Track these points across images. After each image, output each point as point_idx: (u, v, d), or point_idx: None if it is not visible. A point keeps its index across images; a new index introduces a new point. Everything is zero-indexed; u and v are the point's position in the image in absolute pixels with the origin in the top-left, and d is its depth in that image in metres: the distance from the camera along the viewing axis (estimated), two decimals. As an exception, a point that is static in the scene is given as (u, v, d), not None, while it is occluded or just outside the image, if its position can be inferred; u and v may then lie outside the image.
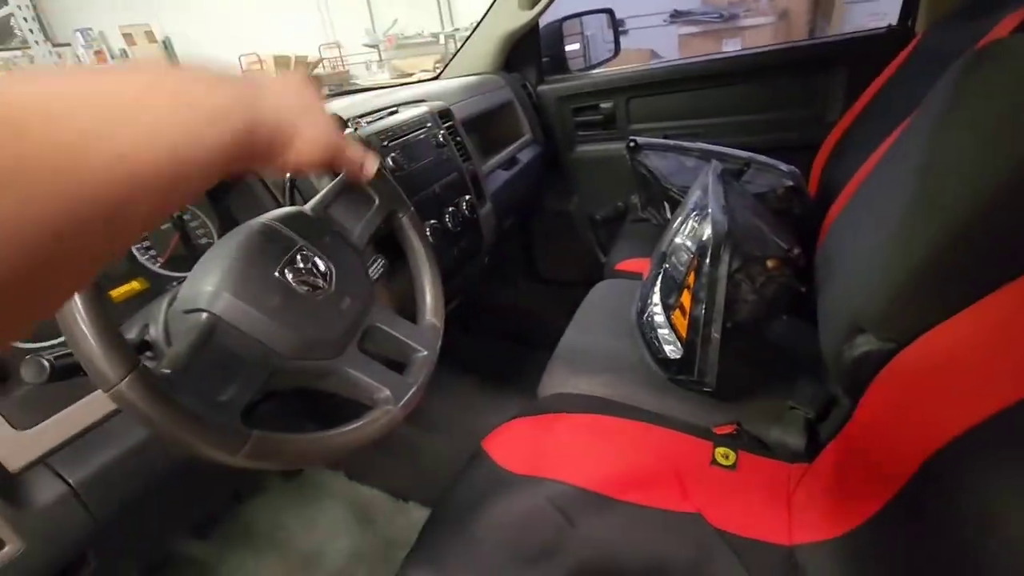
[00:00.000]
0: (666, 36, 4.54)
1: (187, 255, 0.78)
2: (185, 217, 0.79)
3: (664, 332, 0.87)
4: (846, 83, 1.32)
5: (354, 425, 0.54)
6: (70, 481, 0.55)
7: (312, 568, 1.05)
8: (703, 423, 0.78)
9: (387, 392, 0.56)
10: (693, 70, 1.52)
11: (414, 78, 3.38)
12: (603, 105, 1.60)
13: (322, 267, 0.56)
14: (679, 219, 0.94)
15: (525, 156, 1.50)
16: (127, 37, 6.57)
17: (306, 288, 0.54)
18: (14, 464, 0.53)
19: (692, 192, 1.03)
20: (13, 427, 0.53)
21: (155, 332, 0.53)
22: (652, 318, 0.91)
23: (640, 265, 1.18)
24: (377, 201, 0.67)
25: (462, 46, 1.61)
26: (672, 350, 0.84)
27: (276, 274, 0.53)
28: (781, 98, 1.43)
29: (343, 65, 7.89)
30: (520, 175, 1.43)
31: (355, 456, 1.22)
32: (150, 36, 6.72)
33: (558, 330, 1.05)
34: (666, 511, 0.66)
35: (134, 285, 0.72)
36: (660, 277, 0.95)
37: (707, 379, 0.79)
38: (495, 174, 1.33)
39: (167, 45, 7.12)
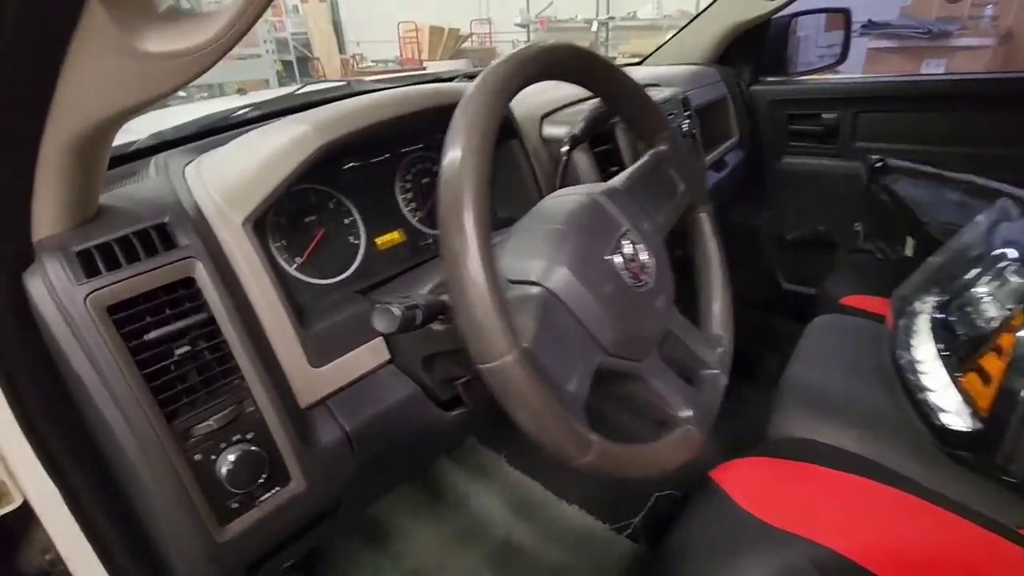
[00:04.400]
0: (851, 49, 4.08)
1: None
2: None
3: (940, 396, 0.73)
4: None
5: (668, 440, 0.47)
6: (346, 427, 0.53)
7: (470, 541, 1.03)
8: (1001, 519, 0.64)
9: (690, 412, 0.49)
10: (950, 88, 1.30)
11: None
12: (825, 115, 1.42)
13: (644, 257, 0.50)
14: (975, 271, 0.79)
15: (731, 160, 1.37)
16: (302, -6, 7.13)
17: (631, 279, 0.48)
18: (305, 400, 0.52)
19: (983, 235, 0.86)
20: (311, 364, 0.52)
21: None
22: (918, 376, 0.77)
23: (874, 304, 1.02)
24: (682, 188, 0.59)
25: (678, 32, 1.50)
26: (957, 420, 0.70)
27: (607, 256, 0.47)
28: None
29: (491, 41, 8.01)
30: (728, 179, 1.31)
31: (516, 443, 1.20)
32: (322, -5, 7.22)
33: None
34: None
35: (395, 235, 0.71)
36: (931, 327, 0.81)
37: (1013, 467, 0.64)
38: (708, 175, 1.22)
39: (334, 6, 7.64)
